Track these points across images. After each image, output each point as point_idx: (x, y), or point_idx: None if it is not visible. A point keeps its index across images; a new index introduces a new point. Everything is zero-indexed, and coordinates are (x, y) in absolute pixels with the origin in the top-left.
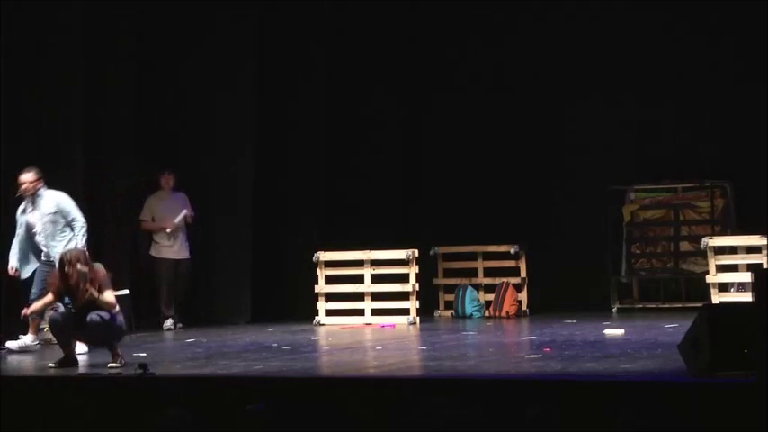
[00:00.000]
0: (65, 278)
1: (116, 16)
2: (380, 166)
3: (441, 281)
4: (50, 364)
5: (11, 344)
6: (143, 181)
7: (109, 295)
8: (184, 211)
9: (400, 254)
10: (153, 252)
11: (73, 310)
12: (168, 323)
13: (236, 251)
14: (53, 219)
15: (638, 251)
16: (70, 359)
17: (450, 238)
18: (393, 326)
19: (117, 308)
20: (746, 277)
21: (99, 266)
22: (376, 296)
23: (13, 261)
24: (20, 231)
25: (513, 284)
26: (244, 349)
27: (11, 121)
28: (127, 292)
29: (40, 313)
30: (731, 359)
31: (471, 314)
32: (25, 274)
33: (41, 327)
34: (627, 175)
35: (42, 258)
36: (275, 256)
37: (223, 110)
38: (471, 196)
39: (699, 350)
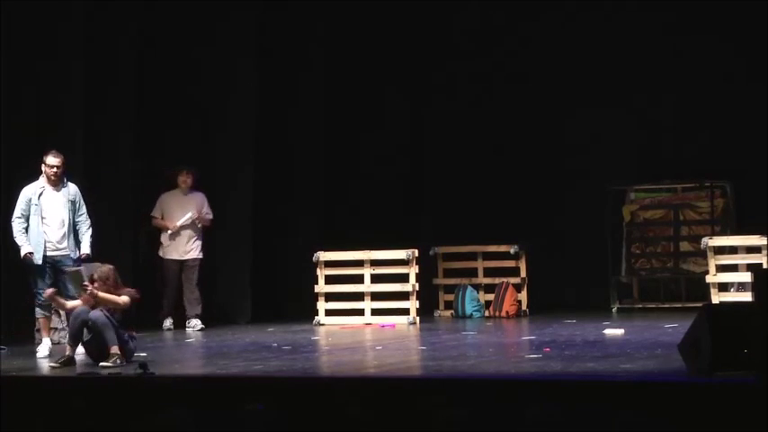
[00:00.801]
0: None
1: (117, 16)
2: (381, 167)
3: (441, 281)
4: (52, 363)
5: (42, 352)
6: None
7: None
8: (189, 214)
9: (400, 254)
10: (159, 252)
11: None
12: (168, 323)
13: (236, 251)
14: (72, 208)
15: (638, 251)
16: (72, 359)
17: (449, 238)
18: (393, 326)
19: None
20: (746, 277)
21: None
22: (376, 296)
23: (29, 246)
24: (33, 216)
25: (513, 284)
26: (244, 349)
27: (11, 126)
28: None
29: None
30: (731, 359)
31: (471, 314)
32: (38, 260)
33: (53, 327)
34: (627, 175)
35: (61, 253)
36: (275, 256)
37: (223, 110)
38: (471, 196)
39: (699, 350)
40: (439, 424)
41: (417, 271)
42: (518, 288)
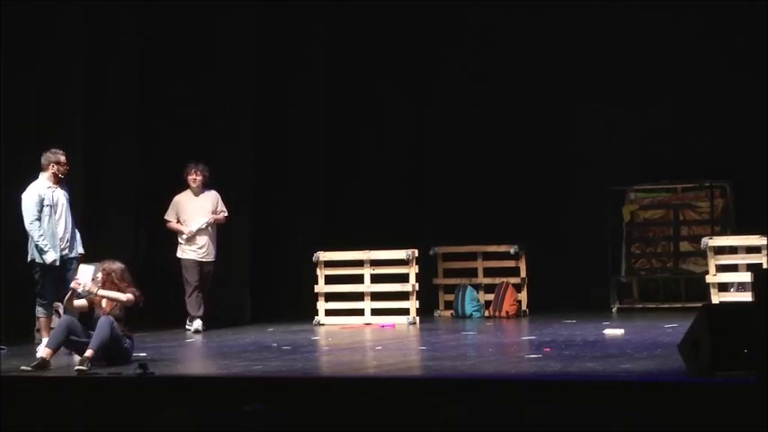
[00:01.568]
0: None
1: (116, 16)
2: (381, 167)
3: (440, 281)
4: (24, 367)
5: (42, 351)
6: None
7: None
8: (204, 220)
9: (400, 254)
10: (178, 253)
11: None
12: (196, 324)
13: (236, 251)
14: (70, 206)
15: (637, 251)
16: (47, 363)
17: (449, 237)
18: (393, 326)
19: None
20: (746, 277)
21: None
22: (376, 296)
23: (54, 254)
24: (45, 217)
25: (513, 284)
26: (244, 349)
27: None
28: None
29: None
30: (731, 359)
31: (471, 314)
32: (57, 262)
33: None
34: (627, 175)
35: (68, 253)
36: (275, 256)
37: (222, 110)
38: (471, 196)
39: (699, 350)
40: (439, 424)
41: (417, 271)
42: (518, 288)
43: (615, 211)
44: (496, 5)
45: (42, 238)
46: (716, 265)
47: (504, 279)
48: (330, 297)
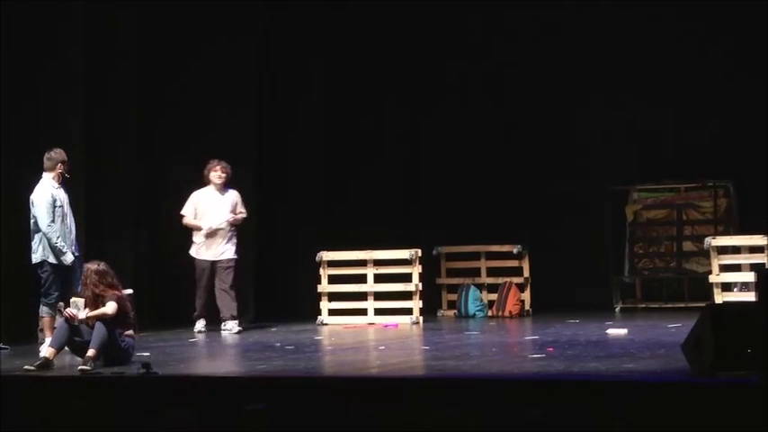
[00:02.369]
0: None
1: (117, 21)
2: (383, 166)
3: (444, 280)
4: (27, 366)
5: (44, 351)
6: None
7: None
8: (224, 219)
9: (403, 253)
10: (191, 252)
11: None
12: (200, 325)
13: (237, 253)
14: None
15: (640, 251)
16: (50, 363)
17: (453, 237)
18: (396, 325)
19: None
20: (749, 277)
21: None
22: (379, 296)
23: (71, 256)
24: (58, 220)
25: (516, 284)
26: (247, 349)
27: (10, 129)
28: (130, 291)
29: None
30: (734, 359)
31: (474, 314)
32: (71, 262)
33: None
34: (630, 175)
35: (76, 253)
36: (278, 255)
37: (225, 114)
38: (474, 196)
39: (702, 350)
40: (441, 424)
41: (420, 270)
42: (521, 288)
43: (618, 211)
44: (497, 7)
45: (60, 239)
46: (719, 265)
47: (508, 279)
48: (333, 297)
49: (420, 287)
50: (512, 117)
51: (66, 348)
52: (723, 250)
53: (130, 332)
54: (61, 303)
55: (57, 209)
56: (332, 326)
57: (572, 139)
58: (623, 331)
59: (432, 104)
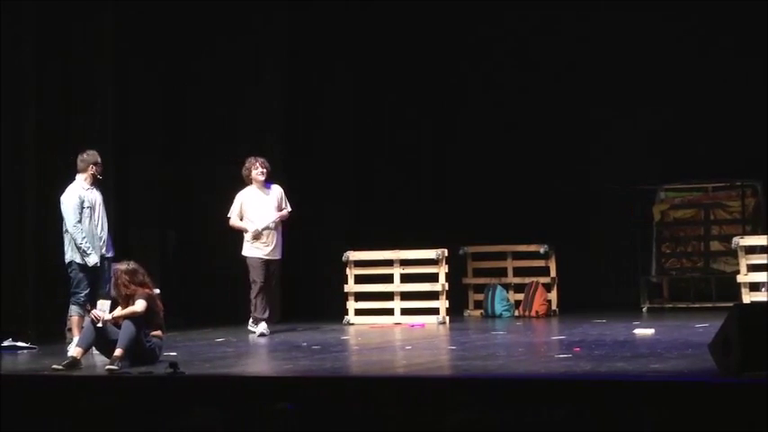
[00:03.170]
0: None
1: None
2: (410, 166)
3: (470, 280)
4: (55, 366)
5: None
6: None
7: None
8: (271, 218)
9: (430, 253)
10: (244, 251)
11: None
12: (261, 328)
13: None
14: (104, 208)
15: (668, 251)
16: (78, 362)
17: (479, 237)
18: (422, 325)
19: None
20: None
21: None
22: (405, 296)
23: (96, 256)
24: (85, 219)
25: (543, 284)
26: (273, 349)
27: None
28: (157, 291)
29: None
30: (762, 359)
31: (501, 314)
32: (98, 263)
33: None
34: (657, 175)
35: (105, 253)
36: (305, 255)
37: (250, 112)
38: (501, 196)
39: (729, 350)
40: (469, 423)
41: (447, 270)
42: (548, 288)
43: (645, 211)
44: (528, 6)
45: (85, 240)
46: (747, 265)
47: (534, 279)
48: (360, 297)
49: (447, 287)
50: (540, 116)
51: (95, 349)
52: (751, 250)
53: (158, 332)
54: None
55: (85, 209)
56: (358, 326)
57: (600, 139)
58: (650, 331)
59: (460, 104)
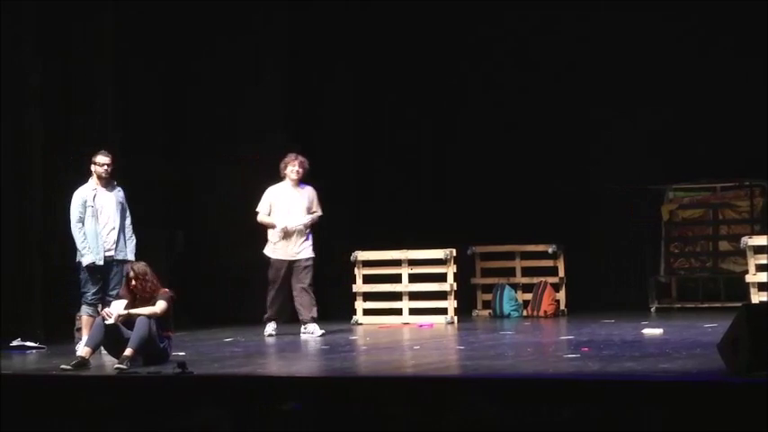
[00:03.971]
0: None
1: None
2: (411, 166)
3: (478, 280)
4: (64, 366)
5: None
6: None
7: (161, 306)
8: (300, 222)
9: (438, 253)
10: (266, 251)
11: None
12: (269, 328)
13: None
14: (121, 210)
15: (676, 251)
16: (86, 362)
17: (487, 237)
18: (431, 325)
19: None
20: None
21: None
22: (414, 296)
23: (92, 256)
24: (89, 218)
25: (552, 284)
26: (281, 349)
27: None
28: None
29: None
30: None
31: (509, 314)
32: (100, 261)
33: None
34: (665, 174)
35: (116, 256)
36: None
37: (251, 112)
38: (509, 195)
39: (738, 350)
40: (477, 423)
41: (455, 270)
42: (556, 288)
43: (654, 211)
44: (520, 5)
45: (83, 240)
46: (756, 265)
47: (543, 278)
48: (368, 296)
49: (455, 287)
50: (548, 115)
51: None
52: (760, 249)
53: (168, 333)
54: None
55: (88, 209)
56: (366, 326)
57: (608, 138)
58: (659, 331)
59: (462, 104)
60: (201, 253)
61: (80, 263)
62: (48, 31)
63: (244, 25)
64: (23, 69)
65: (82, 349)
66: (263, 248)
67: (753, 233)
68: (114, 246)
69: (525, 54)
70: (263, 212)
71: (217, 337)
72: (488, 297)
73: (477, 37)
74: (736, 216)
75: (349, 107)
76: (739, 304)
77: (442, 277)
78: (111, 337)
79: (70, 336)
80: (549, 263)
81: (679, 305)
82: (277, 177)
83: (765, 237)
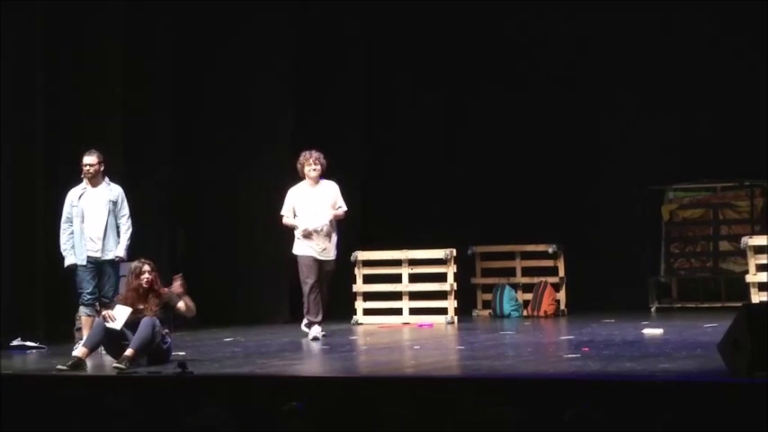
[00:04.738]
0: (140, 287)
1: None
2: (418, 166)
3: (479, 280)
4: (60, 366)
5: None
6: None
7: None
8: (323, 221)
9: (438, 253)
10: (294, 250)
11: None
12: (315, 331)
13: (274, 250)
14: (113, 209)
15: (676, 251)
16: (82, 362)
17: (488, 237)
18: (431, 325)
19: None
20: None
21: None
22: (414, 295)
23: (72, 258)
24: (75, 218)
25: (552, 284)
26: (282, 348)
27: (51, 127)
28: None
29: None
30: None
31: (509, 314)
32: (82, 261)
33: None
34: (666, 175)
35: (104, 256)
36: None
37: (259, 109)
38: (509, 195)
39: (738, 350)
40: (477, 423)
41: (455, 270)
42: (556, 288)
43: (654, 211)
44: (532, 6)
45: (65, 242)
46: (756, 265)
47: (543, 278)
48: (368, 296)
49: (455, 287)
50: (548, 116)
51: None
52: (760, 250)
53: (168, 331)
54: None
55: (73, 209)
56: (367, 325)
57: (608, 138)
58: (659, 331)
59: (468, 103)
60: (202, 253)
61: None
62: (55, 29)
63: (254, 15)
64: (33, 67)
65: (79, 350)
66: (263, 248)
67: (753, 233)
68: (101, 246)
69: (532, 56)
70: (288, 215)
71: (217, 337)
72: (488, 297)
73: (485, 38)
74: (737, 216)
75: (357, 109)
76: (739, 304)
77: (442, 277)
78: (113, 339)
79: (70, 336)
80: (550, 263)
81: (679, 305)
82: (278, 176)
83: (765, 237)
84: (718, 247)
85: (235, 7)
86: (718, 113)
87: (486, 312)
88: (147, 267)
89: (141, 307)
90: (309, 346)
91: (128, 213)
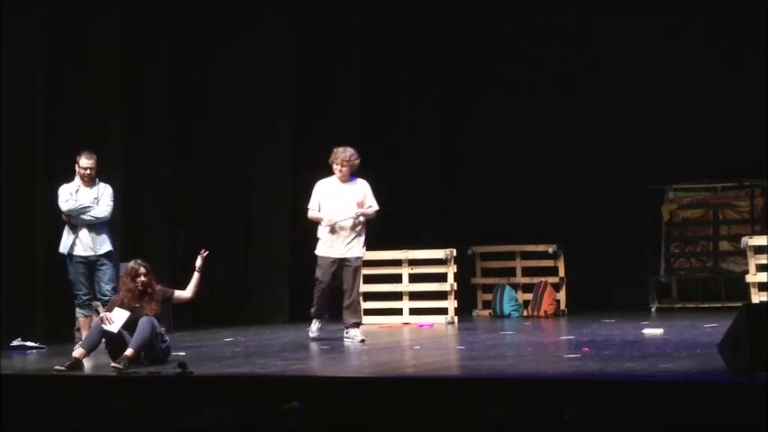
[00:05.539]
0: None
1: (154, 19)
2: (418, 165)
3: (479, 280)
4: (57, 367)
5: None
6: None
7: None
8: (350, 215)
9: (438, 253)
10: (317, 250)
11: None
12: (314, 327)
13: (274, 250)
14: (106, 209)
15: (677, 251)
16: (80, 363)
17: (488, 237)
18: (431, 325)
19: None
20: None
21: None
22: (414, 296)
23: (63, 248)
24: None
25: (552, 284)
26: (282, 348)
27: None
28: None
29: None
30: None
31: (509, 314)
32: (62, 250)
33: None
34: (666, 174)
35: (98, 251)
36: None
37: (259, 109)
38: (509, 195)
39: (739, 350)
40: (478, 424)
41: (455, 270)
42: (556, 287)
43: (654, 211)
44: (532, 6)
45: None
46: (756, 265)
47: (543, 278)
48: (368, 296)
49: (455, 287)
50: (548, 115)
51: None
52: (760, 250)
53: (164, 329)
54: (97, 303)
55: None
56: (367, 325)
57: (608, 138)
58: (659, 331)
59: (468, 103)
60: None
61: (66, 262)
62: (55, 29)
63: (254, 14)
64: (33, 66)
65: (76, 350)
66: (263, 248)
67: (753, 233)
68: (93, 244)
69: (532, 55)
70: (314, 209)
71: (217, 337)
72: (489, 297)
73: (486, 39)
74: (737, 216)
75: (357, 109)
76: (739, 304)
77: (442, 277)
78: (111, 341)
79: (70, 336)
80: (550, 263)
81: (679, 305)
82: (278, 176)
83: (765, 237)
84: (719, 247)
85: (235, 7)
86: (718, 113)
87: (487, 312)
88: (142, 270)
89: (137, 305)
90: (309, 347)
91: (110, 206)
